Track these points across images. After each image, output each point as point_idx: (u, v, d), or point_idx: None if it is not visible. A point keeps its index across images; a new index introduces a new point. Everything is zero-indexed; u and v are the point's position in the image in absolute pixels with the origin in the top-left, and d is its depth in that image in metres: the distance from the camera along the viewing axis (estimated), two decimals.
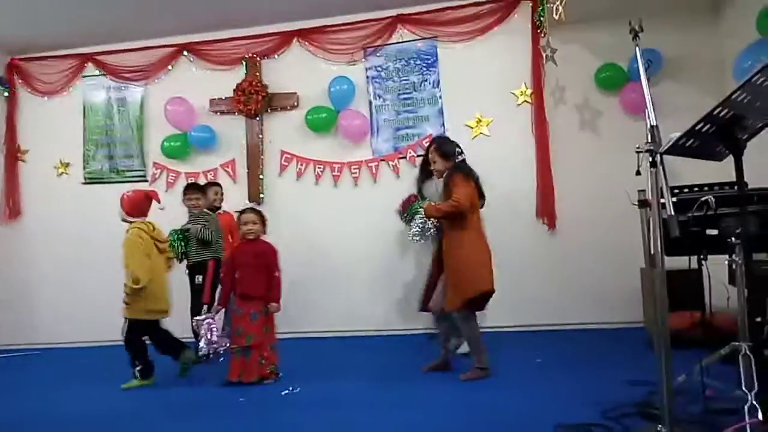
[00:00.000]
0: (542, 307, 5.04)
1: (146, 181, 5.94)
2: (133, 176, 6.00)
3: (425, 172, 4.02)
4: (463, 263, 3.51)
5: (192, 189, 4.76)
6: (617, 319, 4.79)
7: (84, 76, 6.16)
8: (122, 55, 6.05)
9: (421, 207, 3.74)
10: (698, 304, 3.88)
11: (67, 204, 6.05)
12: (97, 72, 6.13)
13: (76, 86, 6.19)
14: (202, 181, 5.59)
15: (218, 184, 5.11)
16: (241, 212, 3.97)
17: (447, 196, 3.54)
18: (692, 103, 4.74)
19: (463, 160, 3.76)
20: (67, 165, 6.15)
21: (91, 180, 6.10)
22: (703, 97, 4.78)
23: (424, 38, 5.46)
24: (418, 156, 5.35)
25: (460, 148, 3.81)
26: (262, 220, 3.94)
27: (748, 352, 2.29)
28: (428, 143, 4.42)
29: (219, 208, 4.97)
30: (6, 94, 6.25)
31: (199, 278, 4.55)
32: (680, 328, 3.87)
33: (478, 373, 3.51)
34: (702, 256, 3.31)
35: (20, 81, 6.27)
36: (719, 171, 2.71)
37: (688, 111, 4.23)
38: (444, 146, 3.72)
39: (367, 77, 5.58)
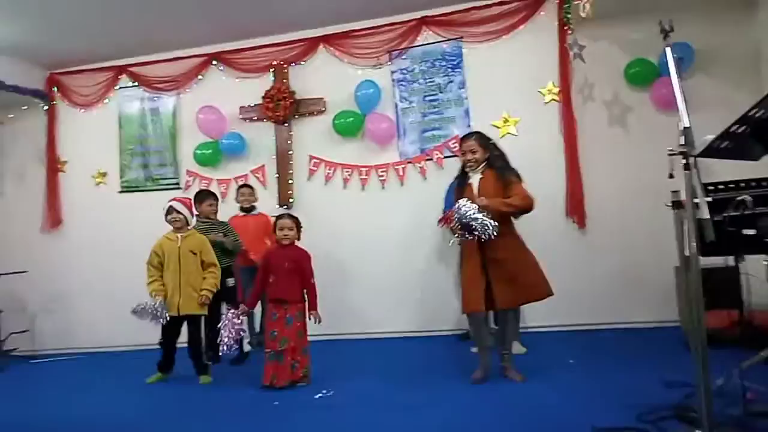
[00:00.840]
0: (575, 307, 4.98)
1: (180, 188, 6.08)
2: (167, 184, 6.16)
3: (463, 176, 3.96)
4: (533, 265, 3.51)
5: (211, 195, 4.92)
6: (651, 318, 4.72)
7: (119, 88, 6.35)
8: (154, 66, 6.21)
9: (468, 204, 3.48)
10: (736, 302, 3.82)
11: (105, 212, 6.25)
12: (130, 83, 6.31)
13: (111, 98, 6.38)
14: (233, 187, 5.73)
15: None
16: (279, 217, 4.06)
17: (495, 190, 3.47)
18: (725, 96, 4.64)
19: (499, 148, 3.71)
20: (104, 174, 6.36)
21: (128, 189, 6.29)
22: (737, 91, 4.70)
23: (449, 39, 5.46)
24: (445, 157, 5.38)
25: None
26: (298, 226, 4.02)
27: None
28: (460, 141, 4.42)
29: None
30: (46, 107, 6.48)
31: (230, 281, 4.68)
32: (717, 327, 3.82)
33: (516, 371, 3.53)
34: (739, 257, 3.25)
35: (59, 94, 6.50)
36: (755, 166, 2.66)
37: (720, 105, 4.18)
38: (483, 135, 3.72)
39: (393, 80, 5.61)
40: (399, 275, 5.42)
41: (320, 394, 3.56)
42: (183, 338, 4.31)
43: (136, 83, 6.27)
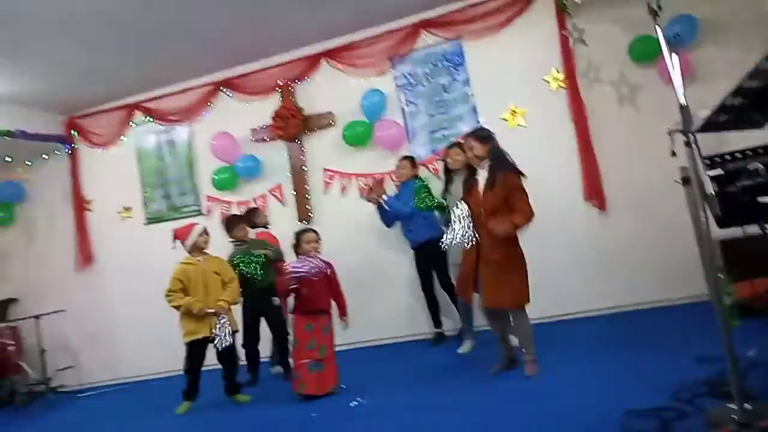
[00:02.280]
0: (604, 290, 4.93)
1: (202, 214, 6.23)
2: (189, 212, 6.31)
3: (448, 176, 4.18)
4: (523, 269, 3.51)
5: (242, 220, 5.01)
6: (682, 294, 4.63)
7: (134, 125, 6.54)
8: (166, 100, 6.39)
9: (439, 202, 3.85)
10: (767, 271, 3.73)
11: (134, 245, 6.43)
12: (144, 118, 6.49)
13: (127, 134, 6.58)
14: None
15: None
16: (304, 231, 4.18)
17: (495, 193, 3.45)
18: (737, 64, 4.50)
19: (498, 145, 3.61)
20: (129, 209, 6.55)
21: (153, 220, 6.46)
22: (749, 57, 4.56)
23: (449, 39, 5.49)
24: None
25: (492, 132, 3.68)
26: (319, 239, 4.14)
27: None
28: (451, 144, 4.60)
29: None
30: (69, 151, 6.71)
31: (276, 300, 4.76)
32: (749, 297, 3.75)
33: (535, 365, 3.51)
34: (762, 224, 3.19)
35: (78, 137, 6.73)
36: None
37: (733, 73, 4.09)
38: (478, 131, 3.68)
39: (398, 86, 5.66)
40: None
41: (355, 402, 3.60)
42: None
43: (151, 118, 6.45)
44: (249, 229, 4.95)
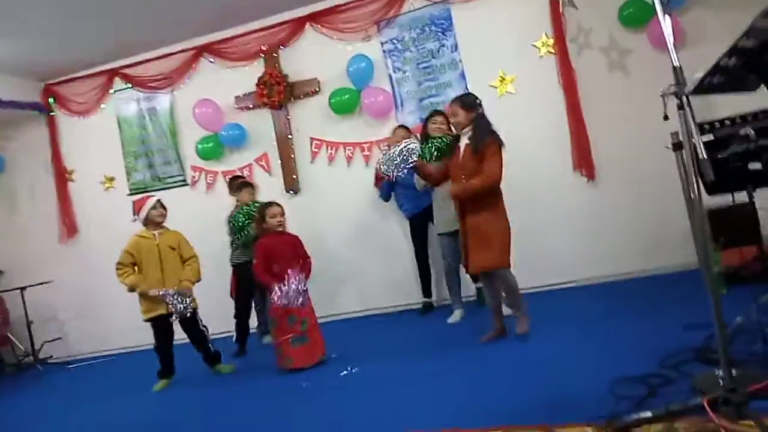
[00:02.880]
0: (590, 261, 4.95)
1: (187, 184, 6.13)
2: (173, 182, 6.21)
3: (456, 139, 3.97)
4: (504, 230, 3.50)
5: (249, 184, 5.03)
6: (671, 263, 4.65)
7: (114, 91, 6.35)
8: (146, 66, 6.19)
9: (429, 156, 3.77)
10: (754, 239, 3.75)
11: (118, 216, 6.28)
12: (124, 85, 6.30)
13: (107, 102, 6.39)
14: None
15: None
16: (268, 205, 4.09)
17: (475, 161, 3.46)
18: (729, 28, 4.41)
19: (483, 112, 3.61)
20: (112, 179, 6.41)
21: (136, 191, 6.33)
22: (742, 18, 4.48)
23: (436, 2, 5.34)
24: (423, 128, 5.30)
25: (479, 99, 3.66)
26: (283, 213, 4.08)
27: None
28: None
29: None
30: (45, 119, 6.51)
31: None
32: (736, 265, 3.77)
33: (527, 320, 3.57)
34: (750, 191, 3.19)
35: (56, 104, 6.53)
36: (758, 98, 2.58)
37: (725, 35, 4.03)
38: (466, 96, 3.69)
39: (384, 51, 5.52)
40: (410, 248, 5.41)
41: (345, 372, 3.61)
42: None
43: (130, 85, 6.26)
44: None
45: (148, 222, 4.19)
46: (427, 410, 2.71)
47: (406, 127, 5.11)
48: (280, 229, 4.02)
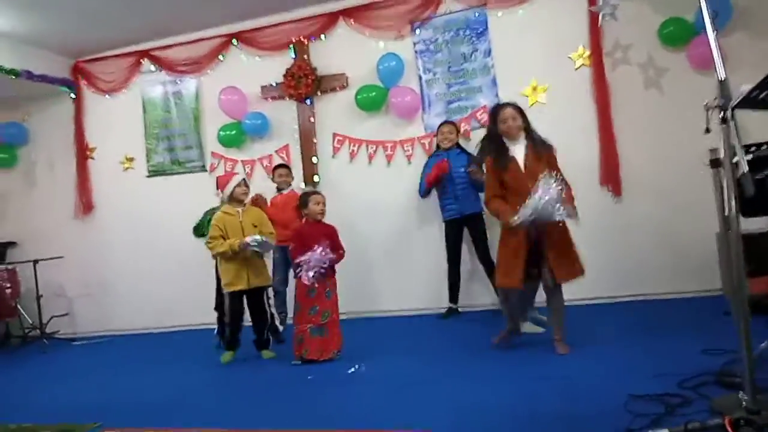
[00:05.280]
0: (612, 279, 4.83)
1: (205, 170, 6.13)
2: (193, 167, 6.20)
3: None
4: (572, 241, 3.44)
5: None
6: (693, 288, 4.55)
7: (141, 72, 6.38)
8: (175, 49, 6.21)
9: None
10: None
11: (135, 197, 6.34)
12: (153, 67, 6.33)
13: (134, 83, 6.42)
14: (258, 168, 5.84)
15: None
16: (313, 193, 4.11)
17: (541, 165, 3.34)
18: (766, 54, 4.39)
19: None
20: (131, 159, 6.43)
21: (155, 173, 6.36)
22: None
23: (473, 6, 5.30)
24: (472, 129, 5.26)
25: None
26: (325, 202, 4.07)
27: None
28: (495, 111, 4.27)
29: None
30: (73, 95, 6.57)
31: None
32: (761, 293, 3.67)
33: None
34: None
35: (84, 81, 6.57)
36: None
37: (762, 63, 3.96)
38: (515, 104, 3.57)
39: (416, 52, 5.48)
40: (427, 250, 5.35)
41: (353, 369, 3.56)
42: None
43: (159, 67, 6.29)
44: None
45: (232, 198, 4.24)
46: (428, 413, 2.67)
47: (454, 123, 5.10)
48: (320, 217, 4.00)
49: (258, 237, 4.04)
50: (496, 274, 3.54)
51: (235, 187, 4.21)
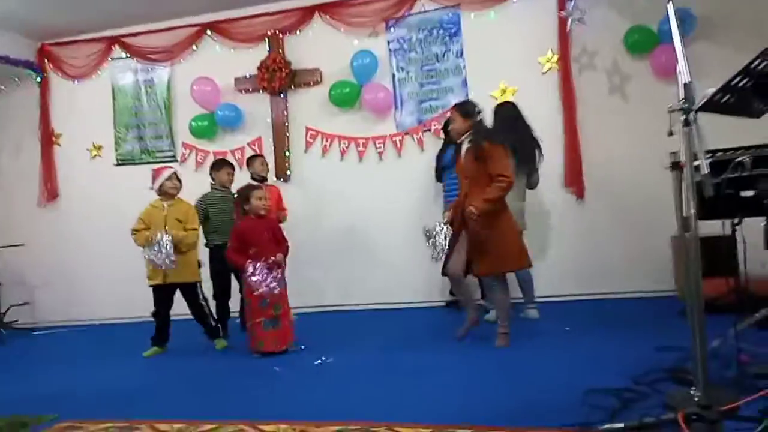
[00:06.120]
0: (572, 278, 5.00)
1: (176, 161, 6.05)
2: (163, 157, 6.11)
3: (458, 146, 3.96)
4: (503, 236, 3.52)
5: (229, 164, 4.95)
6: (648, 288, 4.73)
7: (111, 59, 6.25)
8: (147, 37, 6.11)
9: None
10: (732, 270, 3.81)
11: (102, 186, 6.21)
12: (123, 54, 6.21)
13: (104, 69, 6.29)
14: (231, 160, 5.73)
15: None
16: (256, 187, 4.08)
17: (477, 167, 3.48)
18: (728, 64, 4.48)
19: (482, 120, 3.65)
20: (99, 147, 6.30)
21: (123, 162, 6.25)
22: (740, 57, 4.57)
23: (447, 6, 5.36)
24: (442, 129, 5.33)
25: (479, 107, 3.68)
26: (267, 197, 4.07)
27: None
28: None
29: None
30: (39, 79, 6.39)
31: None
32: (714, 295, 3.82)
33: (506, 337, 3.58)
34: (736, 221, 3.24)
35: (51, 66, 6.40)
36: (751, 135, 2.65)
37: (723, 72, 4.10)
38: (464, 105, 3.71)
39: (390, 50, 5.53)
40: (397, 247, 5.41)
41: (319, 361, 3.58)
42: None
43: (129, 54, 6.17)
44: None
45: (161, 192, 4.22)
46: (390, 403, 2.70)
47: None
48: (263, 212, 3.98)
49: (152, 249, 3.97)
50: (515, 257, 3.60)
51: (164, 180, 4.19)
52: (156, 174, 4.28)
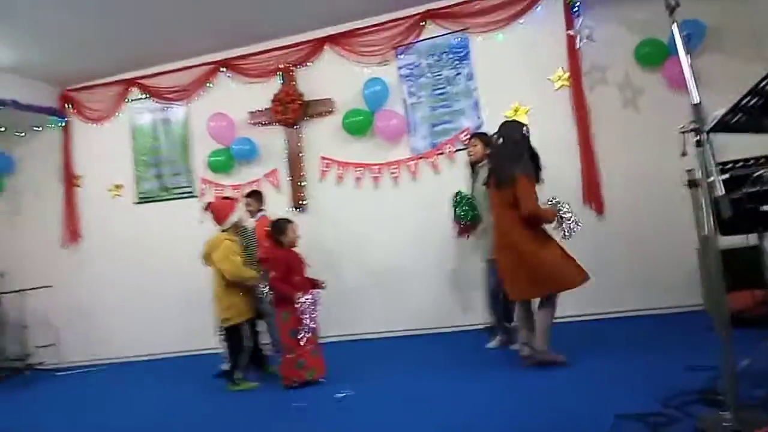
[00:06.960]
0: (596, 296, 4.87)
1: (195, 196, 6.14)
2: (182, 193, 6.22)
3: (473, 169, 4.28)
4: (546, 259, 3.55)
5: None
6: (675, 303, 4.62)
7: (129, 101, 6.42)
8: (163, 77, 6.27)
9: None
10: (759, 282, 3.71)
11: (123, 224, 6.33)
12: (141, 95, 6.37)
13: (123, 111, 6.45)
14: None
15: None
16: (288, 221, 4.12)
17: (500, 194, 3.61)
18: (738, 74, 4.46)
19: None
20: (119, 187, 6.43)
21: (144, 199, 6.36)
22: (749, 68, 4.52)
23: (455, 31, 5.42)
24: (456, 151, 5.35)
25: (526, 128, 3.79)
26: None
27: None
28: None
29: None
30: (62, 124, 6.57)
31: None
32: (742, 308, 3.73)
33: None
34: (760, 235, 3.17)
35: (72, 110, 6.59)
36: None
37: (733, 82, 4.05)
38: (484, 134, 4.02)
39: (400, 76, 5.59)
40: (416, 271, 5.39)
41: (342, 394, 3.54)
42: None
43: (147, 95, 6.33)
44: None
45: (232, 227, 4.35)
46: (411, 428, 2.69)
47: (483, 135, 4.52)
48: (296, 246, 4.09)
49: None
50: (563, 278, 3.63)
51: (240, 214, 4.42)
52: (224, 207, 4.32)
